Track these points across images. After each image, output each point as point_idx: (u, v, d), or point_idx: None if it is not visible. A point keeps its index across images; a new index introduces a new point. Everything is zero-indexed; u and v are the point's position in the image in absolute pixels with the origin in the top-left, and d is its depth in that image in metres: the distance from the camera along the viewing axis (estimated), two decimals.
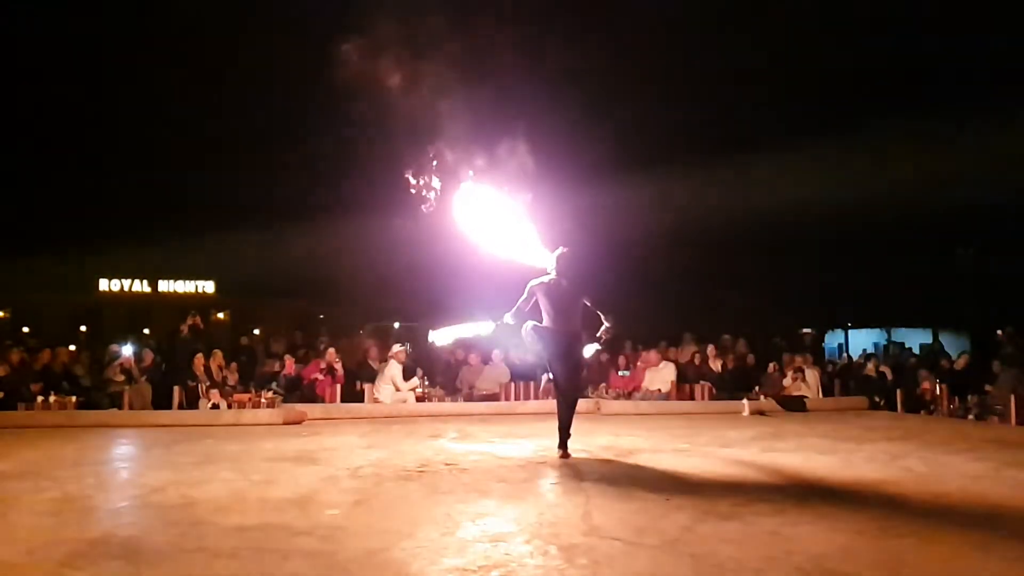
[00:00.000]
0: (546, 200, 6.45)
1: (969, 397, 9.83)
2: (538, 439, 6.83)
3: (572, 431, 5.99)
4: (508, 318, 6.26)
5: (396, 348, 10.57)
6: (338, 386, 10.44)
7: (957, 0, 16.25)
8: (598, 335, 6.21)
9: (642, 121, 17.26)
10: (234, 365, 10.86)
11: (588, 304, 6.12)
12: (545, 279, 6.11)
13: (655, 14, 15.65)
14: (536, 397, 10.22)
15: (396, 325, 23.26)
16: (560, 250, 6.16)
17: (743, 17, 16.77)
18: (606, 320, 6.15)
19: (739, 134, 19.02)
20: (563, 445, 5.91)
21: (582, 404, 5.89)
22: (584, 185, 13.01)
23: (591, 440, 6.71)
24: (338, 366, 10.75)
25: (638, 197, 16.94)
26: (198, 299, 28.15)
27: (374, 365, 11.14)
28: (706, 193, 17.39)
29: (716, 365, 11.40)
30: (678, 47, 16.30)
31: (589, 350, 6.42)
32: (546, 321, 6.06)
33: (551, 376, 6.27)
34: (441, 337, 6.82)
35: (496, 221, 6.30)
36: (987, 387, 9.79)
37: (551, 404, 7.42)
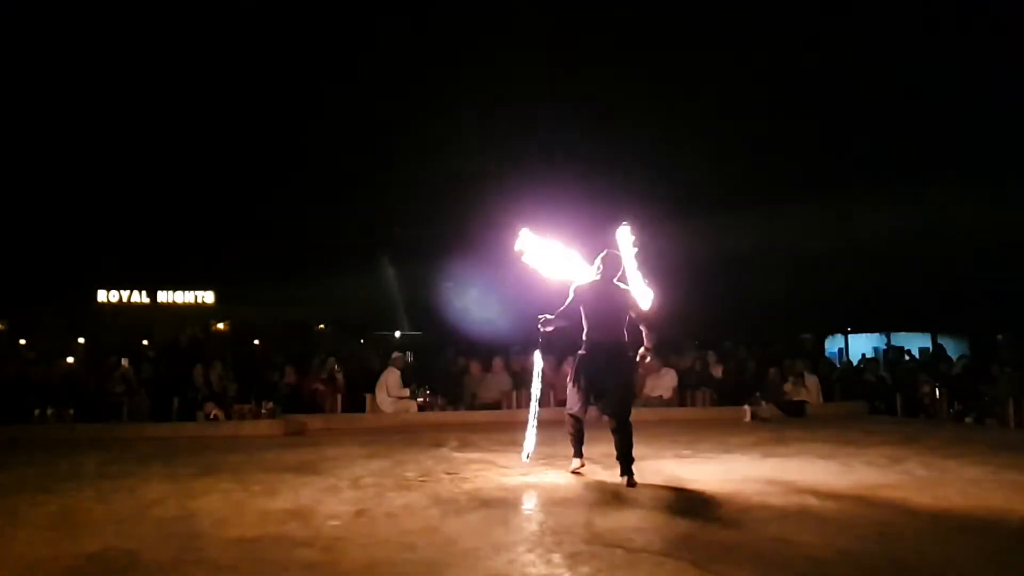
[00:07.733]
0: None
1: (968, 401, 9.83)
2: (540, 447, 6.81)
3: (584, 439, 5.72)
4: (546, 324, 5.67)
5: (396, 355, 10.56)
6: (339, 396, 10.42)
7: None
8: (639, 354, 5.67)
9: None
10: (233, 375, 10.83)
11: (633, 316, 5.57)
12: (590, 281, 5.63)
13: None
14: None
15: (397, 334, 23.28)
16: (607, 251, 5.64)
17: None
18: (648, 339, 5.62)
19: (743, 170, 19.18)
20: (628, 471, 5.31)
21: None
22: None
23: (593, 447, 6.68)
24: (339, 376, 10.72)
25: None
26: (198, 309, 28.11)
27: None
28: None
29: (717, 371, 11.40)
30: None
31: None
32: (587, 330, 5.56)
33: (596, 396, 5.55)
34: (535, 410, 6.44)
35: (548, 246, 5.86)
36: (980, 386, 9.79)
37: (553, 412, 7.42)
